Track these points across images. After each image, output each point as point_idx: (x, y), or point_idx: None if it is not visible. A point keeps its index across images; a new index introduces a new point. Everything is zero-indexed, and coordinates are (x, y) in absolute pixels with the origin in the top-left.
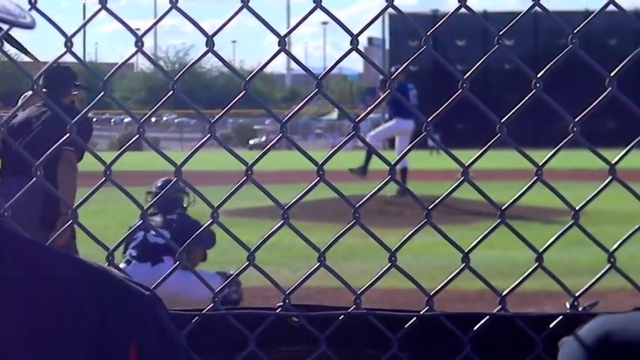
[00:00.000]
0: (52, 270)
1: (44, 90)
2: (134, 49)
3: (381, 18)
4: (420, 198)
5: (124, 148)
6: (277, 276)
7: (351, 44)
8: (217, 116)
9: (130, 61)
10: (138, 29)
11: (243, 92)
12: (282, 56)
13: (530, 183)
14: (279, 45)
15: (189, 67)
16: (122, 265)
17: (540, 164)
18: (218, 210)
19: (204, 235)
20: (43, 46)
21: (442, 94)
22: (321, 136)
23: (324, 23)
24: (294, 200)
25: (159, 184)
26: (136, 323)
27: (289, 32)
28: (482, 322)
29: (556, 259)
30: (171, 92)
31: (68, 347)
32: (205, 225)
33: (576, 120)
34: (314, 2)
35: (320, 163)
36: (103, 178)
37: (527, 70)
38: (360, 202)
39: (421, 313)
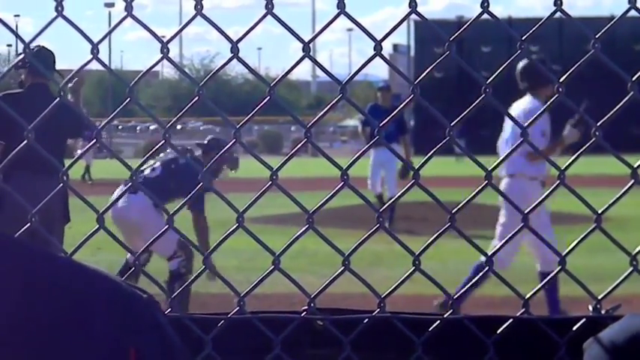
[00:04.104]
0: (52, 276)
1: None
2: (159, 57)
3: (406, 25)
4: (444, 204)
5: (149, 153)
6: (302, 282)
7: (374, 50)
8: (242, 122)
9: (155, 69)
10: (163, 36)
11: (268, 98)
12: (307, 63)
13: (552, 187)
14: (303, 51)
15: (214, 73)
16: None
17: (562, 168)
18: (243, 215)
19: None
20: (69, 53)
21: (467, 100)
22: (347, 142)
23: (350, 30)
24: (318, 205)
25: (205, 141)
26: (135, 328)
27: (313, 38)
28: (505, 325)
29: (581, 265)
30: (196, 98)
31: (69, 350)
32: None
33: (598, 124)
34: (338, 8)
35: (344, 167)
36: (130, 184)
37: (549, 74)
38: (383, 207)
39: (445, 316)
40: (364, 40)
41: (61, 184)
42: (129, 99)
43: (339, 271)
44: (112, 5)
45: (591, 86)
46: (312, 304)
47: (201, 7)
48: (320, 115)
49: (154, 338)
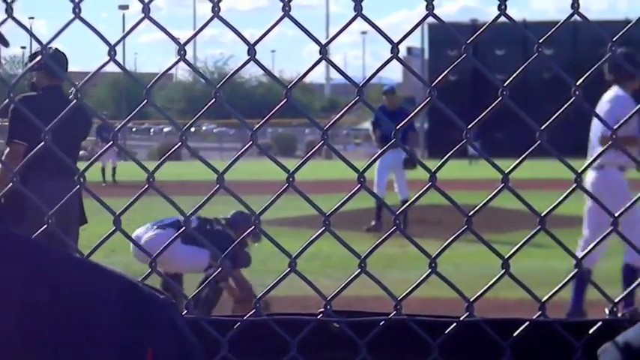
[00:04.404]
0: (66, 275)
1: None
2: (174, 59)
3: (420, 28)
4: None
5: (166, 155)
6: (317, 285)
7: (391, 52)
8: (259, 124)
9: (169, 71)
10: (179, 39)
11: (285, 100)
12: (322, 66)
13: (569, 190)
14: (320, 54)
15: (231, 75)
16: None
17: (579, 171)
18: (260, 217)
19: (239, 253)
20: (84, 55)
21: (482, 103)
22: (361, 145)
23: (364, 33)
24: (335, 207)
25: (228, 216)
26: (152, 329)
27: (330, 41)
28: (522, 327)
29: (598, 268)
30: (213, 100)
31: (83, 351)
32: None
33: (615, 128)
34: (354, 11)
35: (361, 170)
36: (146, 186)
37: (567, 77)
38: (400, 210)
39: (461, 319)
40: (378, 43)
41: (78, 186)
42: (145, 101)
43: (355, 273)
44: (126, 7)
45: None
46: (328, 307)
47: (219, 9)
48: (337, 117)
49: (171, 339)
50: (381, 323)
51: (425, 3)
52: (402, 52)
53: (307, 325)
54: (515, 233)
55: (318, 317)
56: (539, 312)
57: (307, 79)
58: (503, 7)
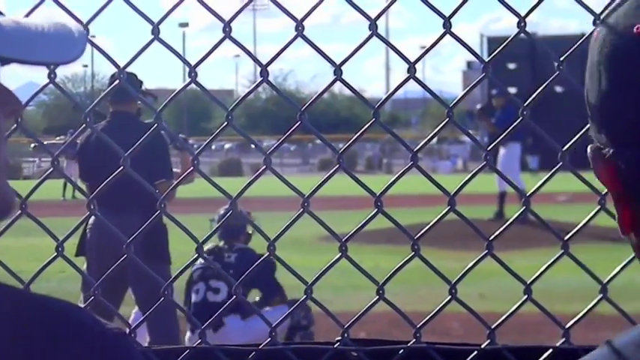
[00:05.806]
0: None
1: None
2: (234, 76)
3: (479, 41)
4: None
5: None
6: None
7: (408, 72)
8: (273, 147)
9: (229, 87)
10: (237, 56)
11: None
12: (382, 81)
13: (592, 213)
14: (335, 74)
15: (318, 96)
16: (188, 334)
17: (603, 194)
18: (274, 243)
19: (268, 280)
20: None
21: (542, 114)
22: (421, 159)
23: (423, 47)
24: (350, 233)
25: (221, 213)
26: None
27: (345, 61)
28: (545, 355)
29: (626, 282)
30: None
31: None
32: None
33: None
34: (369, 30)
35: (378, 194)
36: (158, 212)
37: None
38: (419, 234)
39: (482, 346)
40: (439, 57)
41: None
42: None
43: (374, 300)
44: (186, 25)
45: None
46: (345, 334)
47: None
48: (352, 139)
49: None
50: (400, 352)
51: (486, 18)
52: (462, 66)
53: (324, 353)
54: (544, 249)
55: (335, 346)
56: (563, 339)
57: (367, 94)
58: (522, 24)
